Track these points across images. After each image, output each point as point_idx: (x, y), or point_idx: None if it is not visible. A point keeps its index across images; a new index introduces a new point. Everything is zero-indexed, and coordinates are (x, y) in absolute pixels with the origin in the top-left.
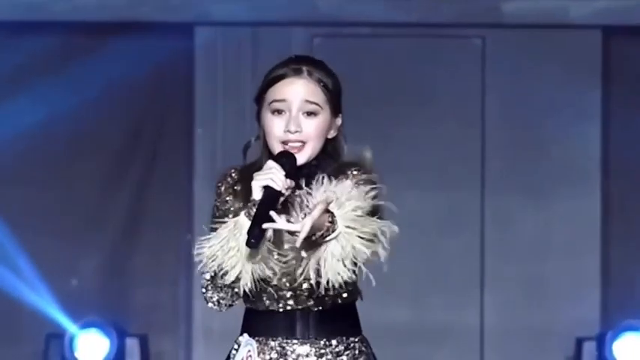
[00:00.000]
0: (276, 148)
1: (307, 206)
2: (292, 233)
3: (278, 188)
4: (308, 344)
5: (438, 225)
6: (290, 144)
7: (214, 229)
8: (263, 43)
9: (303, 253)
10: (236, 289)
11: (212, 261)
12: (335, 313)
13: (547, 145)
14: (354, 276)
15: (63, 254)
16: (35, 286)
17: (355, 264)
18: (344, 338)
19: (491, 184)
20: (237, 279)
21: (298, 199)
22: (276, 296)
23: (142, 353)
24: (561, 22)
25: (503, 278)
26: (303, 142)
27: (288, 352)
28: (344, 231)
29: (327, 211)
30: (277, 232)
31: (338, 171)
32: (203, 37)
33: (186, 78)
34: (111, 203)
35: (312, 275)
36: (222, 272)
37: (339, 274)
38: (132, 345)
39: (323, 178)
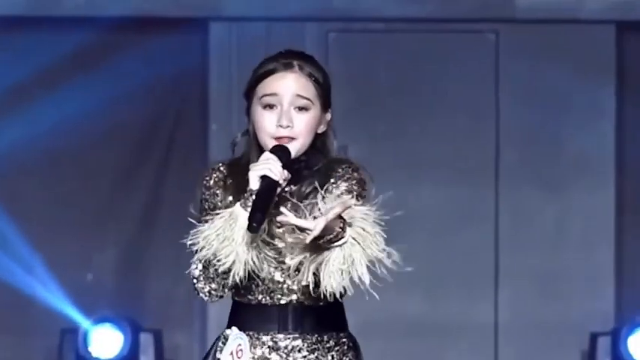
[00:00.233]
0: (268, 143)
1: (319, 209)
2: (302, 230)
3: (276, 178)
4: (300, 339)
5: (452, 219)
6: (280, 137)
7: (205, 222)
8: (277, 38)
9: (304, 253)
10: (228, 280)
11: (207, 250)
12: (327, 308)
13: (561, 139)
14: (346, 288)
15: (78, 249)
16: (50, 281)
17: (351, 277)
18: (334, 334)
19: (505, 179)
20: (230, 269)
21: (289, 195)
22: (269, 290)
23: (157, 348)
24: (575, 17)
25: (518, 273)
26: (294, 138)
27: (281, 347)
28: (350, 241)
29: (339, 217)
30: (270, 226)
31: (328, 167)
32: (218, 32)
33: (201, 73)
34: (126, 198)
35: (309, 277)
36: (216, 261)
37: (333, 283)
38: (146, 340)
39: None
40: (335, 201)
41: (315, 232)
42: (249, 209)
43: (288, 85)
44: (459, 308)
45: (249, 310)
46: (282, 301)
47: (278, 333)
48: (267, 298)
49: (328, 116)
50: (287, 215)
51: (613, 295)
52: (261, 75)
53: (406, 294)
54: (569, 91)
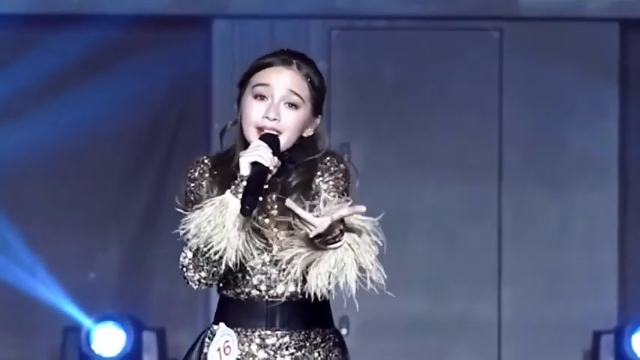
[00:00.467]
0: (251, 134)
1: (319, 209)
2: (302, 225)
3: (266, 164)
4: (288, 336)
5: (456, 218)
6: (266, 131)
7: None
8: (281, 36)
9: (297, 248)
10: (218, 268)
11: (198, 238)
12: (314, 305)
13: (564, 137)
14: (330, 291)
15: (82, 248)
16: (53, 280)
17: (337, 283)
18: (321, 330)
19: (508, 177)
20: (222, 256)
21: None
22: (256, 285)
23: (160, 346)
24: (579, 15)
25: (521, 272)
26: (279, 132)
27: (268, 344)
28: (344, 247)
29: (340, 220)
30: (259, 215)
31: (312, 161)
32: (221, 30)
33: (204, 72)
34: (129, 198)
35: (298, 273)
36: (207, 247)
37: (319, 283)
38: (149, 338)
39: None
40: (337, 204)
41: (319, 230)
42: (239, 196)
43: (283, 79)
44: (462, 307)
45: (237, 305)
46: (270, 297)
47: (266, 329)
48: (255, 291)
49: (317, 121)
50: (294, 208)
51: (616, 294)
52: (257, 66)
53: (409, 293)
54: (573, 90)
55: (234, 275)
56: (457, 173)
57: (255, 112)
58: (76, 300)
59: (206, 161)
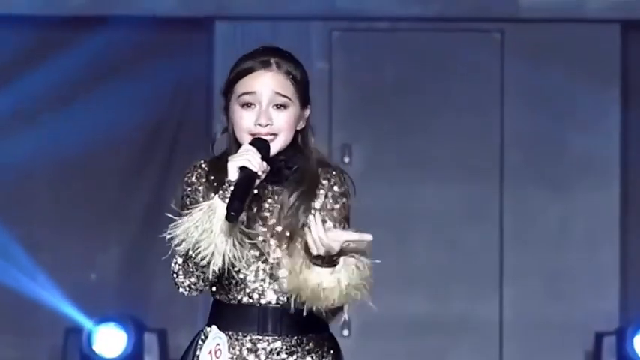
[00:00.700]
0: (245, 140)
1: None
2: (314, 242)
3: (255, 169)
4: (280, 341)
5: (458, 218)
6: (260, 136)
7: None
8: (282, 37)
9: (292, 264)
10: (207, 274)
11: (186, 243)
12: (308, 311)
13: (566, 138)
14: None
15: (82, 249)
16: (54, 281)
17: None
18: (314, 335)
19: (510, 177)
20: (209, 261)
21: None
22: (248, 290)
23: (161, 347)
24: (580, 16)
25: (522, 272)
26: (274, 135)
27: (259, 349)
28: (339, 269)
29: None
30: (251, 219)
31: (312, 174)
32: (223, 31)
33: (206, 73)
34: (130, 198)
35: (289, 286)
36: (195, 253)
37: (315, 301)
38: (150, 339)
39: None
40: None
41: (332, 250)
42: (227, 200)
43: (266, 83)
44: (463, 307)
45: (229, 309)
46: (262, 302)
47: (257, 334)
48: (247, 298)
49: (307, 112)
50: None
51: (617, 295)
52: (238, 73)
53: (410, 293)
54: (574, 91)
55: (228, 281)
56: (458, 174)
57: (246, 121)
58: (77, 301)
59: (203, 166)
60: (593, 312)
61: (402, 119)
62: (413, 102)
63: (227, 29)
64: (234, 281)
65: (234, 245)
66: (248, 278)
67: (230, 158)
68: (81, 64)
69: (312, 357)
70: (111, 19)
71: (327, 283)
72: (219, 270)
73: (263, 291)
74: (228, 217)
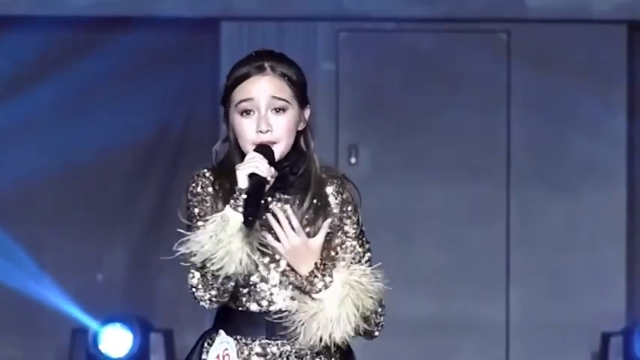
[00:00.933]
0: (249, 150)
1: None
2: (280, 236)
3: (264, 175)
4: (289, 345)
5: (464, 218)
6: (263, 143)
7: (197, 229)
8: (288, 38)
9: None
10: (227, 285)
11: (201, 255)
12: None
13: (572, 138)
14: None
15: (88, 249)
16: (61, 282)
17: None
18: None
19: (516, 177)
20: (227, 271)
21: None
22: (257, 298)
23: (167, 348)
24: (586, 17)
25: (529, 272)
26: (276, 141)
27: (269, 353)
28: (340, 293)
29: (330, 275)
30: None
31: (319, 182)
32: (229, 31)
33: (212, 73)
34: (136, 199)
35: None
36: (213, 266)
37: (324, 336)
38: (157, 339)
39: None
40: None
41: (286, 247)
42: (239, 209)
43: (263, 88)
44: (470, 307)
45: (237, 315)
46: (271, 308)
47: (266, 339)
48: (256, 305)
49: (307, 112)
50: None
51: (624, 295)
52: (234, 81)
53: (416, 293)
54: (580, 92)
55: (237, 289)
56: (464, 174)
57: (247, 130)
58: (83, 301)
59: (207, 174)
60: (600, 312)
61: (408, 120)
62: (419, 103)
63: (233, 30)
64: (245, 290)
65: (251, 253)
66: (258, 286)
67: (237, 167)
68: (86, 66)
69: (321, 357)
70: (115, 21)
71: (340, 314)
72: (237, 280)
73: (272, 298)
74: (245, 223)
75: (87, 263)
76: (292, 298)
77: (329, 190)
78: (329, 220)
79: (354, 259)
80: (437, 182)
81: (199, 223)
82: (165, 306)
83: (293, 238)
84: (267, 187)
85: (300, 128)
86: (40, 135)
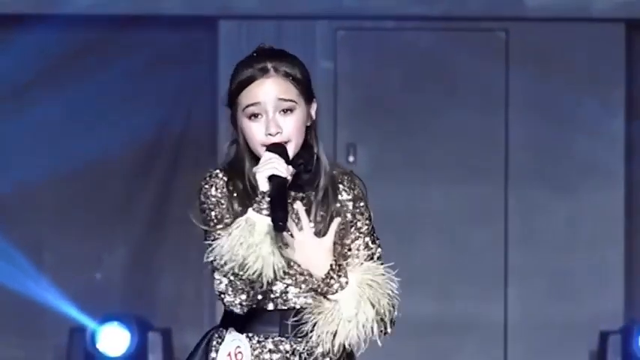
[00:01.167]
0: (260, 152)
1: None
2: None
3: (284, 175)
4: (301, 343)
5: (462, 218)
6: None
7: (215, 231)
8: (287, 36)
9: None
10: (256, 289)
11: (232, 262)
12: None
13: (571, 138)
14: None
15: (87, 248)
16: (59, 280)
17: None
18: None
19: (515, 178)
20: (260, 275)
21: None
22: (271, 297)
23: (165, 347)
24: (584, 15)
25: (527, 272)
26: (286, 142)
27: (282, 350)
28: (355, 294)
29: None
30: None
31: (332, 183)
32: (227, 30)
33: (211, 72)
34: (135, 198)
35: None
36: (244, 270)
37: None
38: (155, 338)
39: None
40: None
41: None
42: (264, 212)
43: (268, 91)
44: (469, 307)
45: (249, 313)
46: (285, 307)
47: (279, 336)
48: (271, 304)
49: (314, 106)
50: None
51: (622, 294)
52: (239, 84)
53: (415, 293)
54: (579, 90)
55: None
56: (464, 174)
57: (257, 134)
58: (82, 301)
59: (220, 175)
60: (598, 311)
61: (406, 119)
62: (418, 101)
63: (232, 28)
64: (260, 290)
65: (280, 254)
66: (273, 285)
67: (256, 169)
68: (84, 62)
69: (330, 357)
70: (113, 19)
71: (356, 316)
72: (269, 281)
73: (286, 296)
74: (277, 228)
75: (86, 263)
76: (307, 297)
77: (340, 186)
78: (339, 219)
79: (367, 256)
80: (436, 182)
81: (218, 226)
82: (165, 305)
83: (304, 237)
84: (287, 184)
85: (309, 123)
86: (39, 135)
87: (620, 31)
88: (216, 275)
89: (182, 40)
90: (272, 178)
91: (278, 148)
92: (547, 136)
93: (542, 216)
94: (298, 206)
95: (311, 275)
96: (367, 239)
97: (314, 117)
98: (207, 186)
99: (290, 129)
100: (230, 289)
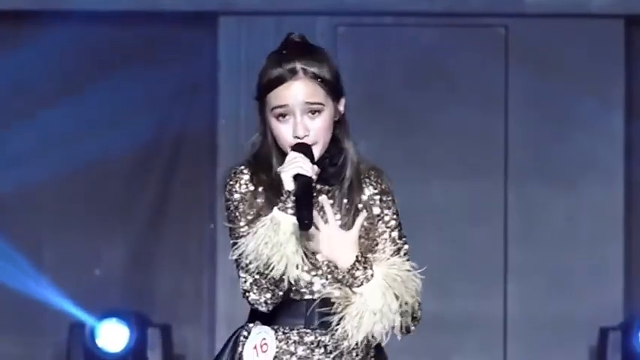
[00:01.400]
0: (288, 151)
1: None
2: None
3: (309, 174)
4: (326, 335)
5: (462, 215)
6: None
7: (240, 228)
8: (287, 32)
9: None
10: (280, 288)
11: (257, 261)
12: None
13: (570, 134)
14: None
15: (87, 244)
16: (59, 277)
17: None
18: None
19: (514, 174)
20: (283, 274)
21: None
22: (297, 289)
23: (165, 343)
24: (583, 11)
25: (527, 268)
26: (314, 143)
27: (307, 342)
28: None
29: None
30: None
31: (358, 177)
32: (227, 26)
33: (210, 67)
34: (135, 195)
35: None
36: (270, 269)
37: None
38: (154, 334)
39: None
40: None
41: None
42: (289, 211)
43: (296, 95)
44: (468, 304)
45: (276, 305)
46: (310, 297)
47: (305, 327)
48: (296, 296)
49: (342, 102)
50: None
51: (622, 291)
52: (268, 84)
53: None
54: (579, 86)
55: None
56: (463, 170)
57: (285, 135)
58: (81, 297)
59: (245, 171)
60: (598, 307)
61: (407, 115)
62: (418, 98)
63: (232, 24)
64: (284, 289)
65: (305, 255)
66: (300, 276)
67: (281, 169)
68: (83, 58)
69: (356, 352)
70: (115, 13)
71: (383, 307)
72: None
73: (311, 287)
74: (302, 227)
75: (86, 259)
76: (333, 288)
77: (367, 180)
78: (365, 212)
79: (393, 251)
80: (436, 179)
81: (242, 223)
82: (165, 301)
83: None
84: (313, 185)
85: (336, 118)
86: (39, 133)
87: (619, 26)
88: (241, 273)
89: (181, 35)
90: (297, 177)
91: (303, 148)
92: (546, 132)
93: (541, 213)
94: (323, 199)
95: (336, 267)
96: (394, 234)
97: (342, 112)
98: (231, 182)
99: (317, 131)
100: (255, 287)
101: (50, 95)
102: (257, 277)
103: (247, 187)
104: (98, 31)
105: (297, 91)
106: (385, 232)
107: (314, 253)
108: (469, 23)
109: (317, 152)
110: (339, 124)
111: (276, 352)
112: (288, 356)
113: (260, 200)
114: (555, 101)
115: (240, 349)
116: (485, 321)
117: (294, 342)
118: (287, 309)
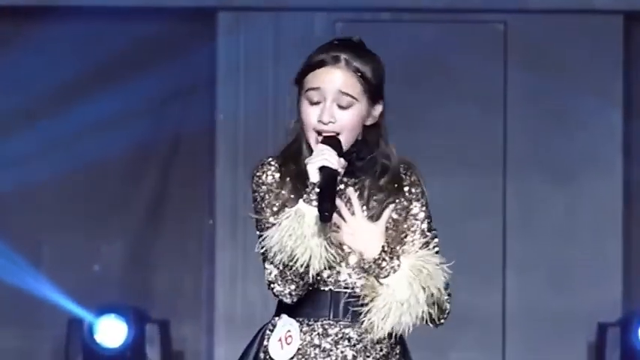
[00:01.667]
0: (310, 137)
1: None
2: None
3: (334, 167)
4: (350, 327)
5: (461, 209)
6: (324, 134)
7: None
8: (285, 28)
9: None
10: (305, 280)
11: (282, 253)
12: None
13: (569, 129)
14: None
15: (85, 240)
16: (57, 272)
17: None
18: None
19: (513, 169)
20: (308, 266)
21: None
22: (323, 280)
23: (163, 339)
24: (583, 7)
25: (526, 263)
26: (337, 133)
27: (331, 334)
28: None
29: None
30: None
31: (393, 174)
32: (226, 22)
33: (209, 63)
34: (133, 189)
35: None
36: (294, 261)
37: (394, 321)
38: (152, 330)
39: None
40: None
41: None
42: (313, 203)
43: (332, 80)
44: (467, 298)
45: (302, 296)
46: (335, 288)
47: (329, 319)
48: (322, 285)
49: (379, 108)
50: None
51: (621, 286)
52: (309, 66)
53: None
54: (578, 81)
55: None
56: (462, 165)
57: (311, 117)
58: (80, 292)
59: (272, 162)
60: (597, 303)
61: (405, 111)
62: (417, 94)
63: (230, 20)
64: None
65: (328, 246)
66: (325, 268)
67: (307, 161)
68: (81, 56)
69: (380, 347)
70: (112, 8)
71: (410, 298)
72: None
73: (337, 277)
74: (322, 219)
75: (84, 255)
76: (360, 278)
77: (396, 172)
78: (392, 204)
79: (422, 243)
80: (434, 173)
81: (267, 214)
82: (162, 297)
83: (357, 221)
84: (339, 178)
85: (368, 123)
86: (38, 129)
87: (618, 22)
88: (267, 265)
89: (180, 31)
90: (323, 170)
91: (332, 141)
92: (545, 127)
93: (540, 207)
94: (350, 192)
95: (363, 257)
96: (423, 226)
97: (377, 118)
98: (258, 174)
99: (344, 122)
100: (280, 279)
101: (49, 95)
102: (282, 268)
103: (274, 178)
104: (96, 28)
105: (335, 78)
106: (414, 224)
107: (340, 244)
108: (468, 19)
109: (341, 144)
110: (374, 128)
111: (301, 344)
112: (312, 348)
113: (286, 191)
114: (554, 97)
115: (265, 342)
116: (483, 315)
117: (319, 334)
118: (312, 300)
